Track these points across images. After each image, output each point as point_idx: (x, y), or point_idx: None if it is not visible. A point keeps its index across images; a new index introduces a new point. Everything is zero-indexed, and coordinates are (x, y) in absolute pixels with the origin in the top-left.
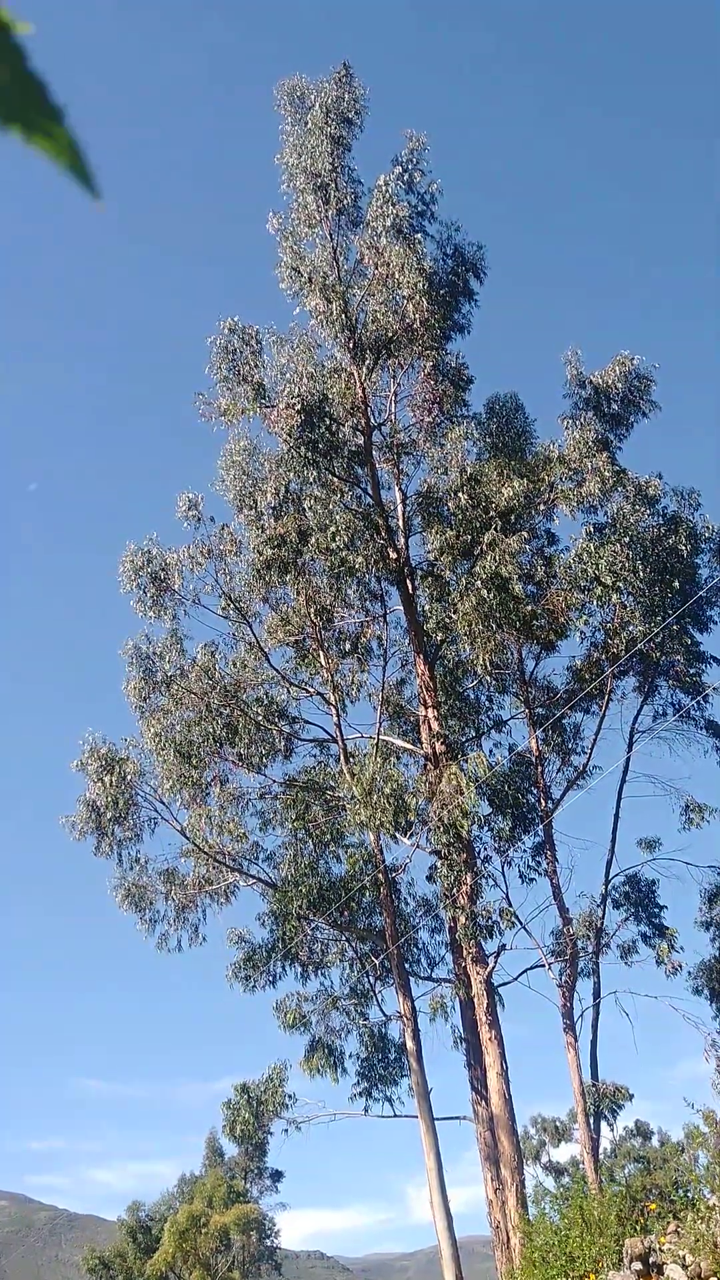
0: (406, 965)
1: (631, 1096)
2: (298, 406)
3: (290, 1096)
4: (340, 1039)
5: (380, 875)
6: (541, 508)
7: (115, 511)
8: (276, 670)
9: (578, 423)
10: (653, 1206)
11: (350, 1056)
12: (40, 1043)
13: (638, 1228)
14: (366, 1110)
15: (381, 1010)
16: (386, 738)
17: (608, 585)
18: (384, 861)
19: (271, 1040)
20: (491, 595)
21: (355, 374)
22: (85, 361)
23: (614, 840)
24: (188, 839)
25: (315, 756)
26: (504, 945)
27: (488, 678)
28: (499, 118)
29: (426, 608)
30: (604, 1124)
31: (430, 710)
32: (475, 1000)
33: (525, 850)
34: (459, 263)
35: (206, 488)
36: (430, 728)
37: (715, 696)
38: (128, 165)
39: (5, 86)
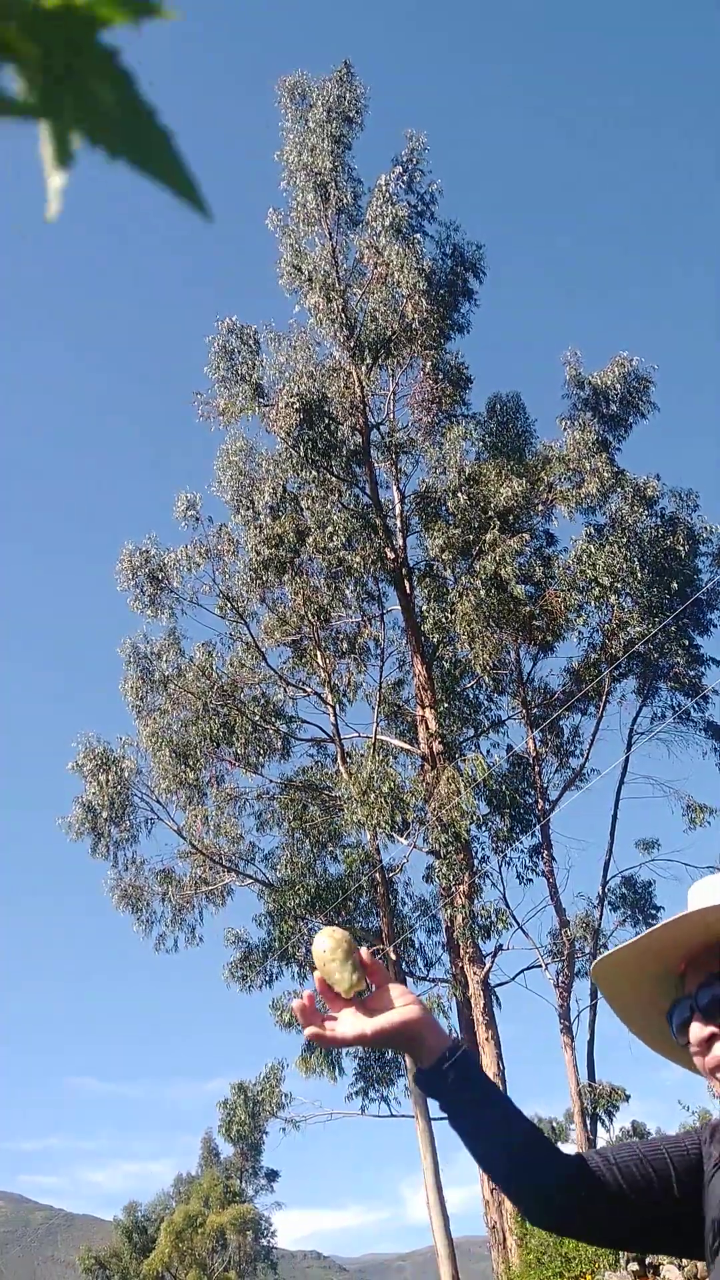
0: (403, 965)
1: (628, 1097)
2: (296, 405)
3: (287, 1096)
4: None
5: (377, 875)
6: (540, 508)
7: (115, 512)
8: (274, 670)
9: (577, 423)
10: None
11: (347, 1055)
12: (36, 1041)
13: None
14: (363, 1110)
15: None
16: (384, 737)
17: (606, 586)
18: (381, 862)
19: (268, 1039)
20: (490, 596)
21: (354, 373)
22: (85, 359)
23: (612, 841)
24: (184, 839)
25: (312, 756)
26: (501, 945)
27: (486, 678)
28: (500, 117)
29: (424, 608)
30: (601, 1124)
31: (428, 710)
32: (472, 1000)
33: (523, 850)
34: (458, 262)
35: (204, 488)
36: (428, 728)
37: (715, 698)
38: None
39: (113, 115)
